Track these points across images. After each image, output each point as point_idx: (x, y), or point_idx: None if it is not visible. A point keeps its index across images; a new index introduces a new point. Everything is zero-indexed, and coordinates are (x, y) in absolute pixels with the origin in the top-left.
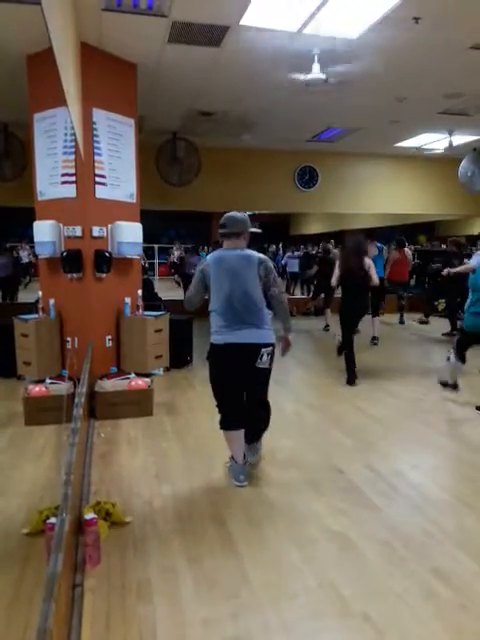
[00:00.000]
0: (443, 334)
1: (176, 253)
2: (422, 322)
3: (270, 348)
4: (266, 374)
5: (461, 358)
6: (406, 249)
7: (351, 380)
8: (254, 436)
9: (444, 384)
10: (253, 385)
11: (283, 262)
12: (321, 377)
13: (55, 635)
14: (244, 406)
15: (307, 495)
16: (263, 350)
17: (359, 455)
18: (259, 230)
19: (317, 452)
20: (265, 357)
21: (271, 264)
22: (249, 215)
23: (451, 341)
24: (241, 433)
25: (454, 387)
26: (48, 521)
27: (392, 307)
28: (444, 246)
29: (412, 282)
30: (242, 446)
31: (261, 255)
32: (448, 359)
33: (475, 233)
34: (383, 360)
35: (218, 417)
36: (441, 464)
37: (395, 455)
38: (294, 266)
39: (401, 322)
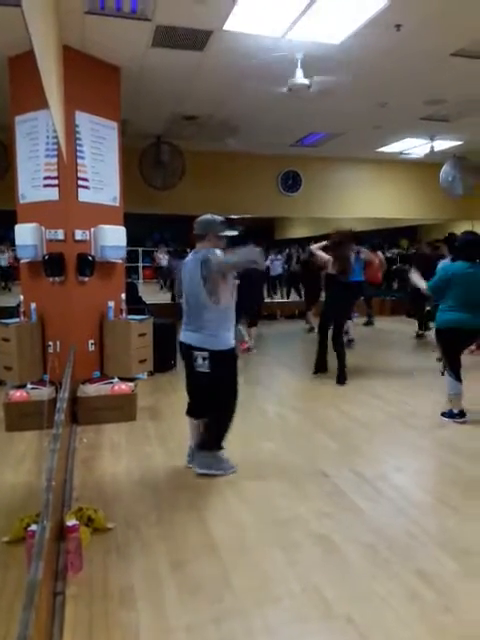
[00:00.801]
0: (416, 335)
1: (161, 256)
2: (419, 335)
3: (205, 353)
4: (208, 378)
5: (456, 376)
6: (379, 252)
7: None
8: (198, 444)
9: (451, 415)
10: (197, 385)
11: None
12: (305, 380)
13: None
14: (202, 399)
15: (291, 498)
16: (197, 353)
17: (343, 458)
18: (234, 232)
19: (301, 455)
20: (200, 360)
21: (212, 259)
22: (233, 219)
23: (427, 342)
24: (194, 421)
25: (461, 415)
26: (29, 528)
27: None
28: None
29: (395, 285)
30: (194, 431)
31: (210, 254)
32: (442, 373)
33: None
34: (365, 362)
35: None
36: (425, 467)
37: (379, 458)
38: (277, 268)
39: (370, 323)
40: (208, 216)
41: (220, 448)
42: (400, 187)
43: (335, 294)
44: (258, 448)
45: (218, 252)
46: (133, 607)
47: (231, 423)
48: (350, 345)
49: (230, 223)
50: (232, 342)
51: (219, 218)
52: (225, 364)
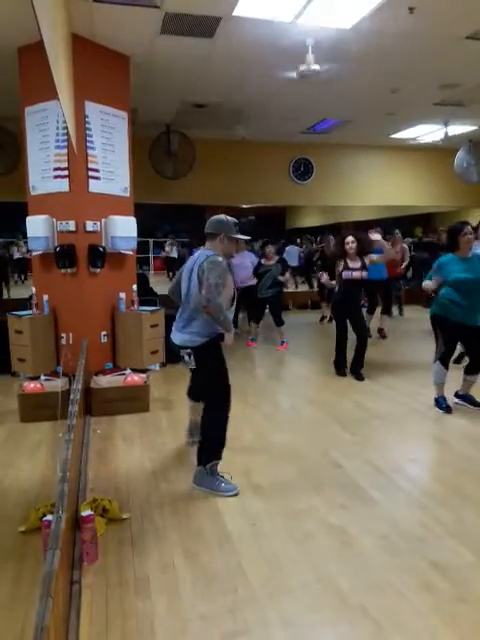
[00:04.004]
0: None
1: (169, 248)
2: None
3: (188, 350)
4: (198, 374)
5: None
6: (403, 244)
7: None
8: (197, 457)
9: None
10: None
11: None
12: (319, 371)
13: (53, 632)
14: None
15: (305, 489)
16: (182, 351)
17: (358, 449)
18: (247, 237)
19: (315, 446)
20: (187, 358)
21: (212, 266)
22: (245, 208)
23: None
24: (192, 403)
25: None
26: (44, 518)
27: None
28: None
29: (409, 274)
30: (191, 413)
31: (210, 256)
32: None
33: (472, 225)
34: (381, 354)
35: None
36: (440, 458)
37: (394, 449)
38: (294, 259)
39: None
40: (222, 216)
41: (218, 459)
42: (414, 174)
43: (345, 292)
44: (272, 439)
45: (220, 259)
46: (148, 596)
47: (225, 431)
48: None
49: (242, 212)
50: (217, 331)
51: (232, 220)
52: (210, 356)
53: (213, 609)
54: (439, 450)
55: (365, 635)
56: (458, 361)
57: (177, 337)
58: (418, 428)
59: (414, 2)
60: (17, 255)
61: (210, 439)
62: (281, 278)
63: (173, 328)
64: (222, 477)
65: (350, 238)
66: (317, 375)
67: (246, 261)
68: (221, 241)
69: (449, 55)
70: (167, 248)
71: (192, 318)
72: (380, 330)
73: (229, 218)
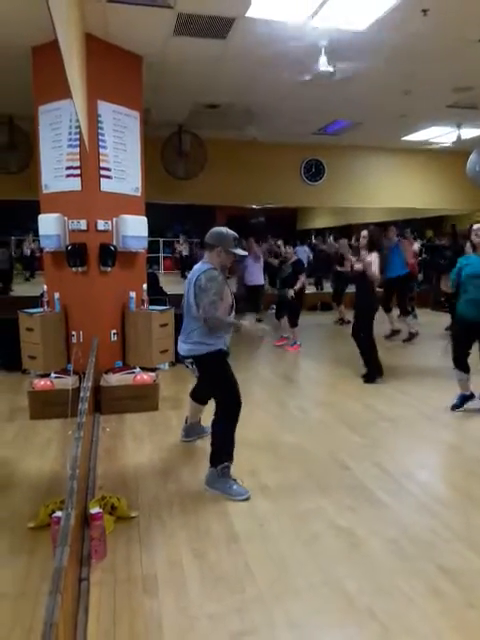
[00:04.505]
0: (446, 329)
1: (181, 247)
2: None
3: (190, 359)
4: (203, 382)
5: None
6: (415, 244)
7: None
8: (210, 458)
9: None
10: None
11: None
12: (329, 372)
13: (62, 628)
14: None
15: (313, 491)
16: (186, 360)
17: (367, 452)
18: (244, 253)
19: (324, 448)
20: (191, 366)
21: (208, 284)
22: (256, 209)
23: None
24: (194, 404)
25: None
26: (54, 515)
27: None
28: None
29: (420, 277)
30: (191, 413)
31: (207, 271)
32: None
33: None
34: (393, 358)
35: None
36: (449, 462)
37: (403, 452)
38: (304, 259)
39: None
40: (222, 229)
41: (229, 461)
42: (426, 176)
43: (359, 290)
44: (280, 440)
45: (215, 273)
46: (156, 594)
47: (233, 433)
48: (411, 339)
49: (254, 213)
50: (220, 346)
51: (233, 234)
52: (213, 366)
53: (220, 608)
54: (449, 454)
55: (372, 638)
56: None
57: (181, 348)
58: (428, 432)
59: (428, 4)
60: (27, 252)
61: (219, 442)
62: (290, 292)
63: (179, 339)
64: (234, 480)
65: (364, 232)
66: (327, 377)
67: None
68: (218, 254)
69: (462, 58)
70: (179, 246)
71: (192, 329)
72: (395, 331)
73: (229, 231)
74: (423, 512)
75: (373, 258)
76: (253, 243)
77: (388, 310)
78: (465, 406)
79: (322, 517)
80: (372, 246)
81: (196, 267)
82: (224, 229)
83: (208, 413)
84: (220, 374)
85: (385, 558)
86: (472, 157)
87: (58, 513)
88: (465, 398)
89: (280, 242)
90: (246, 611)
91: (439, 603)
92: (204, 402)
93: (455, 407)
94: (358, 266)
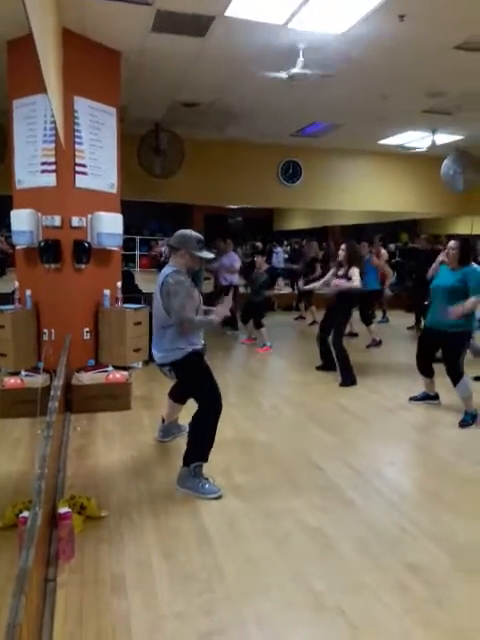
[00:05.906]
0: (408, 328)
1: (162, 248)
2: (412, 328)
3: (167, 367)
4: (183, 385)
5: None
6: (383, 250)
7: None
8: (183, 456)
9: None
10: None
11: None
12: (302, 372)
13: (25, 630)
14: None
15: (284, 490)
16: (163, 368)
17: (338, 451)
18: (210, 256)
19: (295, 448)
20: (169, 373)
21: (175, 288)
22: (234, 208)
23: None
24: (172, 403)
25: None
26: (21, 515)
27: None
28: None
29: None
30: (168, 413)
31: (173, 275)
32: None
33: (457, 232)
34: (364, 357)
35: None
36: (419, 462)
37: (374, 452)
38: (280, 261)
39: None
40: (186, 231)
41: (203, 460)
42: (401, 180)
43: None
44: (252, 440)
45: (181, 277)
46: (124, 595)
47: (214, 433)
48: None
49: (231, 213)
50: (194, 347)
51: (197, 236)
52: (191, 368)
53: (189, 608)
54: (418, 453)
55: (340, 635)
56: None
57: (155, 355)
58: (399, 432)
59: (404, 10)
60: None
61: (197, 441)
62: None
63: (152, 347)
64: (205, 479)
65: (343, 246)
66: (299, 376)
67: (235, 263)
68: (182, 256)
69: (437, 64)
70: (158, 248)
71: (161, 335)
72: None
73: (194, 234)
74: (392, 511)
75: (355, 273)
76: (230, 246)
77: (368, 323)
78: (426, 402)
79: (293, 516)
80: (353, 260)
81: (163, 271)
82: (188, 231)
83: (185, 412)
84: (199, 375)
85: (353, 556)
86: (446, 162)
87: (25, 513)
88: (428, 397)
89: (258, 243)
90: (215, 610)
91: (407, 600)
92: (183, 402)
93: (414, 399)
94: (340, 282)
